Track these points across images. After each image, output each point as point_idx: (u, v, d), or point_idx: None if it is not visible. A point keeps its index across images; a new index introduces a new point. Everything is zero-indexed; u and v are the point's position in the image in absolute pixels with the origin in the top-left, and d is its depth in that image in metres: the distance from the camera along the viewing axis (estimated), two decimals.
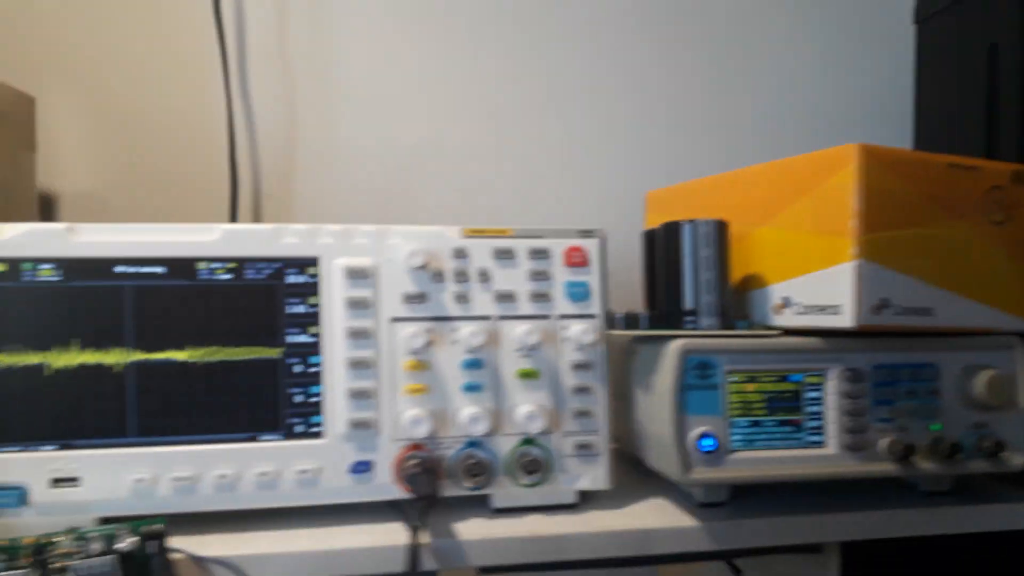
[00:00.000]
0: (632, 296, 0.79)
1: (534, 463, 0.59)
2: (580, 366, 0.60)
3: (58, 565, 0.50)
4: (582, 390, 0.60)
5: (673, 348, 0.57)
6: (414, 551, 0.51)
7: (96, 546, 0.50)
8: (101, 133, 0.90)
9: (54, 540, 0.50)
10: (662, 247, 0.63)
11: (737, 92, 1.01)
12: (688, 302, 0.61)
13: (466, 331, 0.58)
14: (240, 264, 0.56)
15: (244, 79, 0.92)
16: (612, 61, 0.99)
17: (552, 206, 0.98)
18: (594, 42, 0.98)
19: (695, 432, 0.57)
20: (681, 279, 0.61)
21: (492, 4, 0.97)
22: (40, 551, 0.50)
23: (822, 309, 0.58)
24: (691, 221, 0.61)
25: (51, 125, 0.88)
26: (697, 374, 0.57)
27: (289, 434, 0.57)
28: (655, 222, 0.69)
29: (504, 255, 0.60)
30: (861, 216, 0.56)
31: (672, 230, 0.62)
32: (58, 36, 0.89)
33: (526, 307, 0.60)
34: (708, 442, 0.57)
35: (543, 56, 0.98)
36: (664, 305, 0.63)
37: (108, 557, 0.49)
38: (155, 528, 0.51)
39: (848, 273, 0.56)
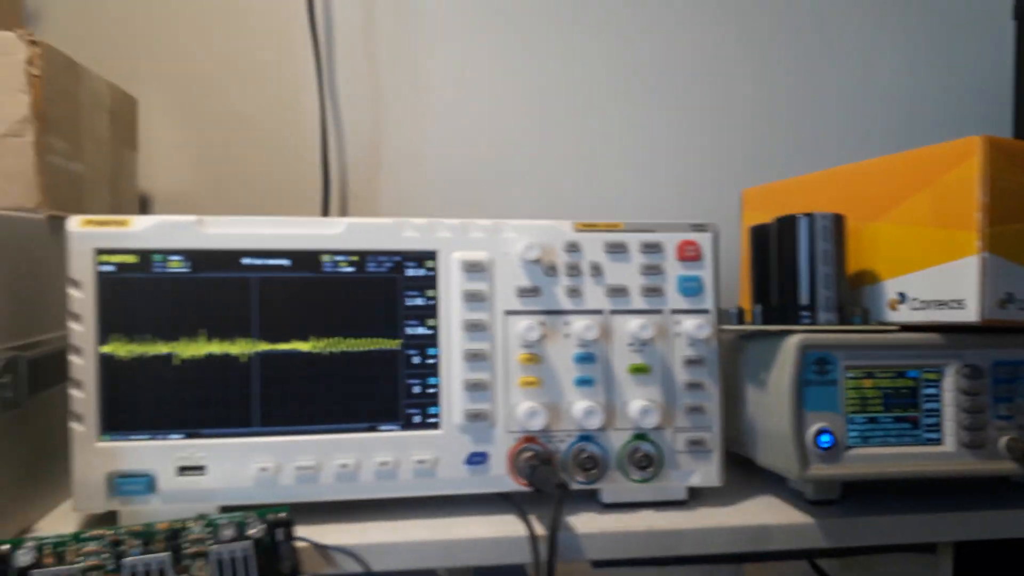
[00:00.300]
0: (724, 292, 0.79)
1: (646, 458, 0.59)
2: (693, 361, 0.60)
3: (192, 551, 0.51)
4: (694, 386, 0.60)
5: (792, 343, 0.57)
6: (552, 541, 0.51)
7: (228, 532, 0.51)
8: (195, 134, 0.93)
9: (187, 526, 0.51)
10: (775, 242, 0.62)
11: (826, 89, 1.00)
12: (804, 297, 0.61)
13: (579, 325, 0.58)
14: (362, 257, 0.57)
15: (332, 81, 0.94)
16: (694, 57, 0.99)
17: (635, 204, 0.98)
18: (677, 37, 0.98)
19: (813, 428, 0.57)
20: (797, 274, 0.61)
21: (575, 1, 0.97)
22: (174, 536, 0.51)
23: (942, 304, 0.57)
24: (808, 215, 0.61)
25: (149, 126, 0.90)
26: (816, 369, 0.57)
27: (407, 424, 0.57)
28: (753, 219, 0.69)
29: (616, 249, 0.60)
30: (986, 209, 0.55)
31: (787, 224, 0.61)
32: (158, 40, 0.91)
33: (638, 301, 0.60)
34: (826, 438, 0.56)
35: (626, 53, 0.98)
36: (778, 300, 0.62)
37: (246, 542, 0.50)
38: (282, 516, 0.52)
39: (973, 267, 0.55)
